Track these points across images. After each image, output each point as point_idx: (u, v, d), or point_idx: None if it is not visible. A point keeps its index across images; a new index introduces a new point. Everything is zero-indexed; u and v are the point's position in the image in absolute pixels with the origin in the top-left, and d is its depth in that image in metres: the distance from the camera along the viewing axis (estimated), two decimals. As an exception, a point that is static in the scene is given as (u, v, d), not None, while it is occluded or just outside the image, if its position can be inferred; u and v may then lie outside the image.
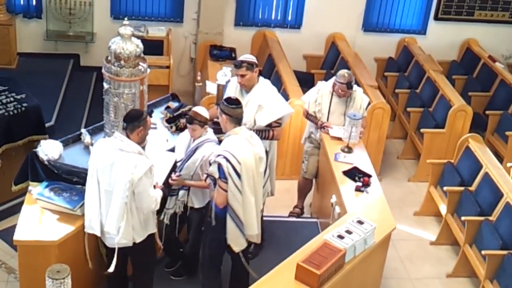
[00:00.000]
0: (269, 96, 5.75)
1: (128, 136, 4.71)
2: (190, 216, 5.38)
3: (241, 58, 5.80)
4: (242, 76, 5.67)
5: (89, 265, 5.02)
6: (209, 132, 5.23)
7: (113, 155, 4.65)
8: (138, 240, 4.79)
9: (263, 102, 5.69)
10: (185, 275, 5.64)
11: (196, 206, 5.32)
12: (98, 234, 4.83)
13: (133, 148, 4.66)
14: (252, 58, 5.78)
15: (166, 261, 5.69)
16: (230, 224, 4.85)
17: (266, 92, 5.76)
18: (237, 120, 4.88)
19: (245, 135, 4.87)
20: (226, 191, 4.75)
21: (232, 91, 5.86)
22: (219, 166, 4.73)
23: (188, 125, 5.23)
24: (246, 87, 5.75)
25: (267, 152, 5.91)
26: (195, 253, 5.38)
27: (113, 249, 4.81)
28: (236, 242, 4.93)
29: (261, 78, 5.83)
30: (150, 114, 5.19)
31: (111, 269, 4.79)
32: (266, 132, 5.75)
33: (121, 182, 4.60)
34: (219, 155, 4.75)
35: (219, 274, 5.17)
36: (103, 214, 4.76)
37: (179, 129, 5.89)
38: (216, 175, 4.77)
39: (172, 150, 5.45)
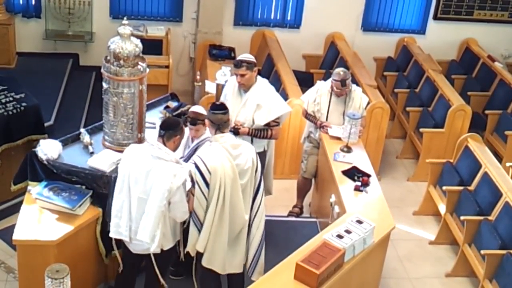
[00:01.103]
0: (267, 95, 5.75)
1: (164, 144, 4.67)
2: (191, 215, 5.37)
3: (240, 57, 5.80)
4: (242, 75, 5.67)
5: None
6: (208, 131, 5.22)
7: (150, 162, 4.58)
8: (166, 248, 4.75)
9: (261, 101, 5.69)
10: (184, 275, 5.63)
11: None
12: (127, 239, 4.78)
13: (171, 156, 4.61)
14: (251, 58, 5.78)
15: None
16: (192, 229, 4.78)
17: (264, 91, 5.76)
18: (217, 126, 4.77)
19: (225, 144, 4.73)
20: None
21: (230, 90, 5.86)
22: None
23: (191, 126, 5.22)
24: (245, 87, 5.75)
25: (265, 152, 5.92)
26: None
27: (133, 254, 4.83)
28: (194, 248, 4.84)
29: (259, 77, 5.83)
30: (185, 123, 5.16)
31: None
32: (264, 132, 5.75)
33: (158, 190, 4.52)
34: (192, 161, 4.71)
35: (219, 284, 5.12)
36: (133, 221, 4.69)
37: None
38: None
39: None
